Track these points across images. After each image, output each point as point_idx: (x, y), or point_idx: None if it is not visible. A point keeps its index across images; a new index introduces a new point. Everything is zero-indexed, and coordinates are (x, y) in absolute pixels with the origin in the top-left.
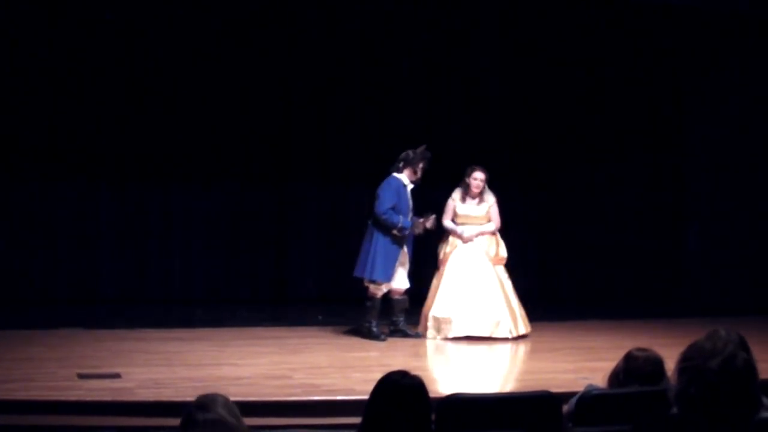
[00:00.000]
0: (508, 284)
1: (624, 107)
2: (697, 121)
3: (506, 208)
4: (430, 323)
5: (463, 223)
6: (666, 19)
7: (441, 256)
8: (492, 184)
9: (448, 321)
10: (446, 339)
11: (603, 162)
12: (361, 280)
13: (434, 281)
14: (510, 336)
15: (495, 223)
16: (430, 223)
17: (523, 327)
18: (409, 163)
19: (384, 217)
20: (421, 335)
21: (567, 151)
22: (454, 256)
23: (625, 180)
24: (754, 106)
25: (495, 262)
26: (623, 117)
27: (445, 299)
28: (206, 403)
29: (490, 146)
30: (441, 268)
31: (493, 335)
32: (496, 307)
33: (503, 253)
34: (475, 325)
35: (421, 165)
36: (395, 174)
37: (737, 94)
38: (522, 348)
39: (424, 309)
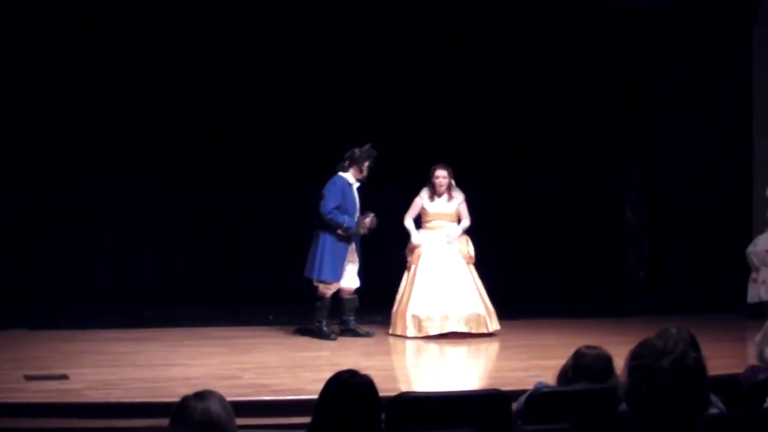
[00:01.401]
0: (479, 280)
1: (584, 106)
2: (659, 119)
3: (473, 202)
4: (410, 322)
5: (432, 220)
6: (627, 17)
7: (410, 254)
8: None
9: (429, 319)
10: (428, 337)
11: (557, 159)
12: (311, 280)
13: (405, 280)
14: (487, 331)
15: (468, 219)
16: (369, 221)
17: (494, 324)
18: (354, 162)
19: (329, 216)
20: (372, 334)
21: (521, 147)
22: (426, 254)
23: (578, 178)
24: (712, 107)
25: (468, 259)
26: (581, 114)
27: (423, 297)
28: (203, 394)
29: (448, 144)
30: (412, 266)
31: (473, 331)
32: (474, 303)
33: (473, 251)
34: (456, 322)
35: (366, 163)
36: (341, 173)
37: (698, 94)
38: (474, 346)
39: (398, 309)
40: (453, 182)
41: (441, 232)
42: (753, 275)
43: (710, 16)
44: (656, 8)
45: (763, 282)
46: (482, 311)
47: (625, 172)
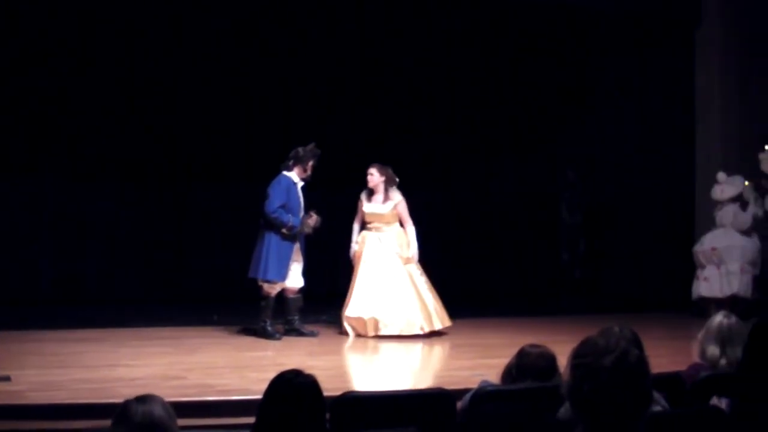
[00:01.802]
0: (421, 280)
1: (523, 105)
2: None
3: (411, 204)
4: (346, 324)
5: (371, 222)
6: (570, 16)
7: (352, 254)
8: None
9: (361, 321)
10: (365, 338)
11: (501, 158)
12: (255, 280)
13: (351, 281)
14: (421, 332)
15: (410, 224)
16: (313, 221)
17: (438, 322)
18: (298, 161)
19: (273, 215)
20: (316, 334)
21: (461, 148)
22: (366, 256)
23: (522, 177)
24: (655, 106)
25: (405, 261)
26: (520, 114)
27: (359, 300)
28: (146, 398)
29: (389, 143)
30: (354, 268)
31: (404, 333)
32: (407, 305)
33: (414, 252)
34: (389, 324)
35: (311, 162)
36: (285, 172)
37: (640, 93)
38: (419, 346)
39: (342, 310)
40: (393, 183)
41: (378, 234)
42: (698, 272)
43: (654, 17)
44: (599, 8)
45: (705, 279)
46: (415, 313)
47: (561, 171)
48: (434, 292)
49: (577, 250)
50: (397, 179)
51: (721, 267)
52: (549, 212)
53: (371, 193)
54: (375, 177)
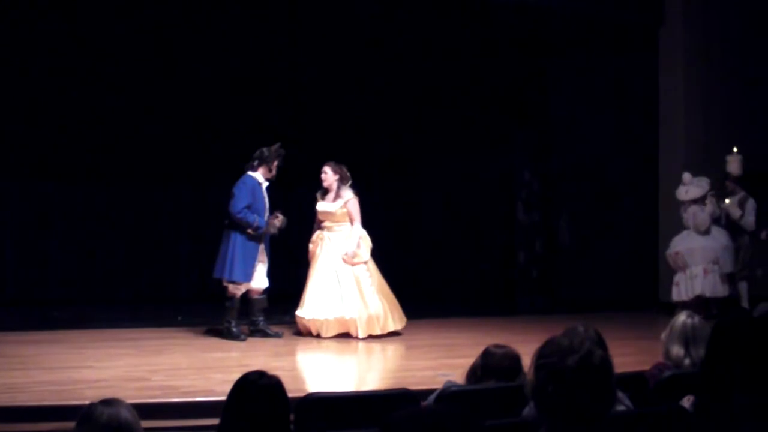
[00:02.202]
0: (367, 283)
1: (481, 105)
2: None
3: (366, 203)
4: (300, 323)
5: (323, 221)
6: (531, 17)
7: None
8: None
9: (307, 321)
10: (315, 338)
11: (455, 159)
12: (219, 280)
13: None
14: (383, 332)
15: (358, 222)
16: (279, 221)
17: (398, 321)
18: (263, 161)
19: (239, 216)
20: (281, 335)
21: (420, 148)
22: (318, 256)
23: (474, 177)
24: (618, 107)
25: (353, 261)
26: (479, 114)
27: (315, 301)
28: (111, 401)
29: (348, 143)
30: (310, 267)
31: (367, 334)
32: (366, 306)
33: (363, 253)
34: (347, 326)
35: (275, 162)
36: (250, 173)
37: (603, 94)
38: (382, 346)
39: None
40: (346, 182)
41: (329, 233)
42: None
43: (617, 18)
44: (562, 9)
45: (676, 283)
46: (354, 315)
47: (518, 171)
48: (383, 294)
49: (533, 250)
50: (350, 179)
51: (686, 270)
52: (506, 212)
53: (326, 192)
54: (329, 176)
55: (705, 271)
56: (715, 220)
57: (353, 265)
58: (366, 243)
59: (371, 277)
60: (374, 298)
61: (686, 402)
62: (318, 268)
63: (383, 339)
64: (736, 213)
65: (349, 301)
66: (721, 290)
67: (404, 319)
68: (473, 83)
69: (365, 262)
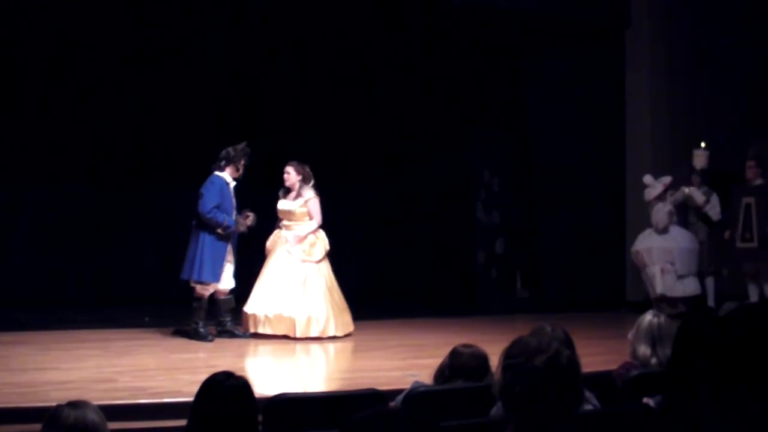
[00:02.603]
0: (316, 283)
1: (445, 106)
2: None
3: (330, 204)
4: (249, 320)
5: (283, 219)
6: (498, 18)
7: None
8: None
9: (258, 318)
10: (260, 336)
11: (414, 160)
12: (187, 281)
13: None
14: (322, 336)
15: (316, 219)
16: (250, 220)
17: (340, 327)
18: (230, 161)
19: (208, 216)
20: (249, 335)
21: (381, 148)
22: (275, 254)
23: (434, 178)
24: (585, 108)
25: (314, 260)
26: (440, 115)
27: (259, 297)
28: (78, 403)
29: (310, 143)
30: (264, 264)
31: (304, 335)
32: (308, 306)
33: (316, 252)
34: (266, 322)
35: (242, 162)
36: (217, 173)
37: (569, 94)
38: (350, 346)
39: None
40: (308, 181)
41: (287, 232)
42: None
43: (584, 19)
44: (529, 9)
45: (645, 282)
46: (296, 314)
47: (477, 171)
48: (332, 300)
49: (493, 250)
50: (313, 179)
51: (646, 269)
52: (466, 212)
53: (288, 191)
54: (291, 176)
55: (662, 271)
56: (683, 219)
57: (317, 262)
58: (322, 244)
59: (320, 279)
60: (319, 300)
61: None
62: (271, 265)
63: (351, 338)
64: (699, 198)
65: (291, 299)
66: (680, 290)
67: (351, 327)
68: (436, 83)
69: (316, 262)
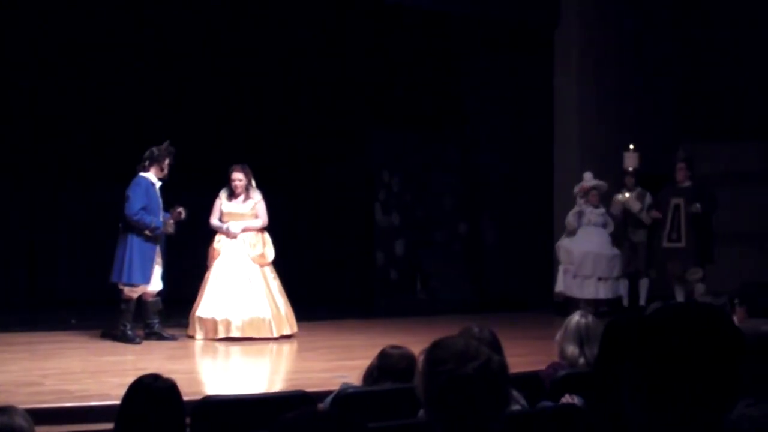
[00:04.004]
0: (274, 284)
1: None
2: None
3: (270, 205)
4: (197, 324)
5: (228, 221)
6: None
7: (209, 255)
8: (258, 182)
9: (212, 322)
10: (213, 340)
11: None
12: (115, 284)
13: (203, 282)
14: (273, 336)
15: (262, 219)
16: (181, 215)
17: (288, 327)
18: (154, 161)
19: (136, 218)
20: (176, 338)
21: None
22: (221, 256)
23: (335, 179)
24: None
25: (260, 262)
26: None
27: (210, 300)
28: (4, 409)
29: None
30: (208, 267)
31: (255, 336)
32: (258, 307)
33: (269, 252)
34: (239, 326)
35: (167, 161)
36: (142, 173)
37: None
38: (279, 348)
39: (192, 310)
40: (252, 183)
41: (236, 223)
42: None
43: (514, 19)
44: (458, 11)
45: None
46: (268, 315)
47: (376, 172)
48: (285, 296)
49: (393, 252)
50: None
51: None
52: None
53: (231, 192)
54: (243, 181)
55: (565, 271)
56: (623, 223)
57: (262, 265)
58: (270, 245)
59: (275, 279)
60: (281, 299)
61: (568, 400)
62: (220, 268)
63: (275, 341)
64: (635, 206)
65: (261, 301)
66: (576, 291)
67: (295, 325)
68: (336, 83)
69: (270, 263)
